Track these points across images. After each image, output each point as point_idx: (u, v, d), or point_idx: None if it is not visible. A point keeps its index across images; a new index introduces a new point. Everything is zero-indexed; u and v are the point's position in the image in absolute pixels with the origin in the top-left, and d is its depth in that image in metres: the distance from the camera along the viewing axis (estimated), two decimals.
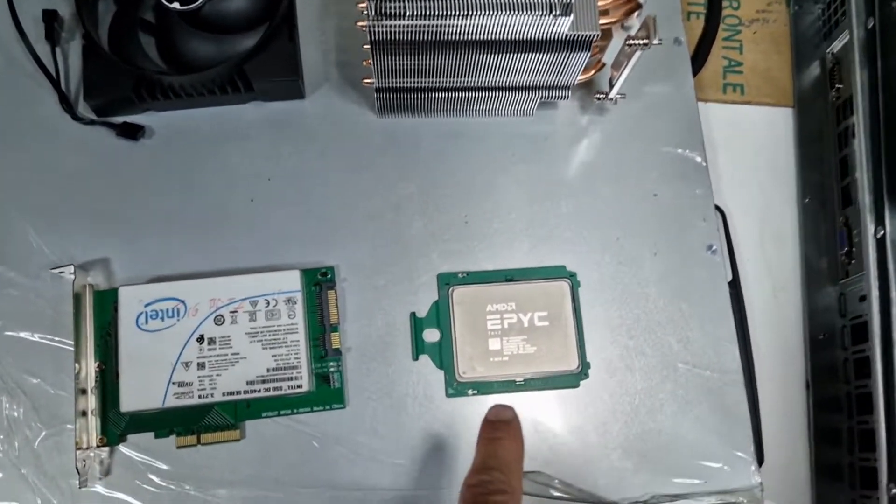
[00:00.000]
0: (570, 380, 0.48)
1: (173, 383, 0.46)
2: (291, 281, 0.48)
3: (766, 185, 0.57)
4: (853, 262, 0.52)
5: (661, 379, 0.49)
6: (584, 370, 0.49)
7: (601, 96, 0.51)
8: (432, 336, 0.49)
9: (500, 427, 0.38)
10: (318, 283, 0.49)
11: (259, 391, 0.46)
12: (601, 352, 0.49)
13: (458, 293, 0.49)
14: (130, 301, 0.47)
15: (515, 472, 0.37)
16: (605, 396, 0.49)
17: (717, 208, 0.53)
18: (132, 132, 0.52)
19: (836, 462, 0.51)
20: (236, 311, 0.47)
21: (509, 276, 0.50)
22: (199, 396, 0.46)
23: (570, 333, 0.49)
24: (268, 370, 0.47)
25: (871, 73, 0.51)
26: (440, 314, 0.49)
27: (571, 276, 0.50)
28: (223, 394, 0.46)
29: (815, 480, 0.52)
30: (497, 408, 0.40)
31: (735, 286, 0.52)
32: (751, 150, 0.57)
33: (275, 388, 0.46)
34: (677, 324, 0.50)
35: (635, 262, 0.51)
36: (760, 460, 0.49)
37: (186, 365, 0.46)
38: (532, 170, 0.53)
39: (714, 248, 0.52)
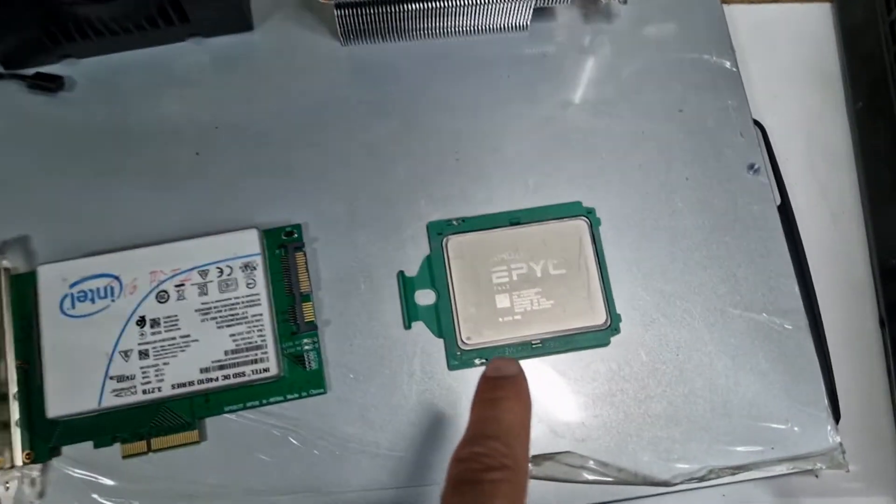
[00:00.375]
0: (597, 337, 0.40)
1: (111, 378, 0.37)
2: (248, 242, 0.39)
3: (809, 92, 0.48)
4: None
5: (708, 328, 0.40)
6: (613, 324, 0.40)
7: None
8: (426, 298, 0.40)
9: (502, 385, 0.29)
10: (283, 244, 0.40)
11: (217, 379, 0.37)
12: (633, 301, 0.41)
13: (454, 244, 0.41)
14: (52, 281, 0.38)
15: (520, 442, 0.28)
16: (642, 354, 0.40)
17: (756, 123, 0.44)
18: (49, 84, 0.43)
19: None
20: (183, 285, 0.38)
21: (514, 219, 0.41)
22: (144, 392, 0.37)
23: (593, 281, 0.40)
24: (226, 353, 0.38)
25: None
26: (434, 271, 0.40)
27: (589, 214, 0.41)
28: (173, 386, 0.37)
29: None
30: (498, 361, 0.30)
31: (785, 211, 0.43)
32: (786, 54, 0.48)
33: (236, 375, 0.38)
34: (721, 261, 0.41)
35: (664, 191, 0.42)
36: (837, 416, 0.40)
37: (125, 354, 0.37)
38: (531, 94, 0.44)
39: (756, 166, 0.43)
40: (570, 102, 0.44)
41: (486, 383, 0.30)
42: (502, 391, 0.29)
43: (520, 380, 0.30)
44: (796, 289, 0.41)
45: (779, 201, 0.43)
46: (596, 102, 0.44)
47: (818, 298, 0.42)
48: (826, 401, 0.39)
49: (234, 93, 0.44)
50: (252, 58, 0.44)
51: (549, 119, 0.44)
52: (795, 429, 0.39)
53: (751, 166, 0.43)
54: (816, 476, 0.39)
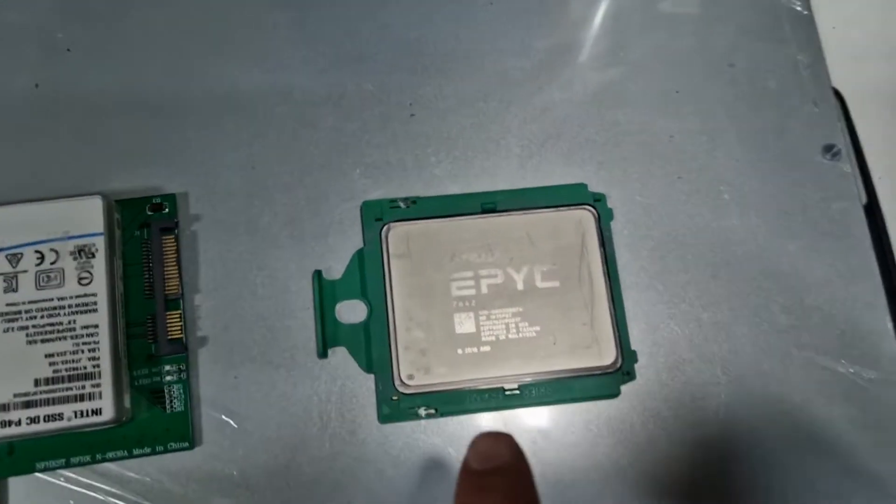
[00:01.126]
0: (603, 384, 0.27)
1: None
2: (88, 215, 0.26)
3: None
4: None
5: (762, 378, 0.28)
6: (626, 366, 0.27)
7: None
8: (353, 313, 0.27)
9: (491, 483, 0.19)
10: (147, 222, 0.27)
11: (19, 423, 0.24)
12: (655, 332, 0.28)
13: (399, 235, 0.28)
14: None
15: None
16: (666, 412, 0.27)
17: (834, 91, 0.32)
18: None
19: None
20: None
21: (488, 204, 0.28)
22: None
23: (599, 301, 0.27)
24: (37, 383, 0.25)
25: None
26: (367, 274, 0.27)
27: (597, 202, 0.29)
28: None
29: None
30: (484, 441, 0.20)
31: (873, 214, 0.30)
32: (872, 8, 0.36)
33: (49, 417, 0.24)
34: (784, 280, 0.29)
35: (705, 176, 0.30)
36: None
37: None
38: (523, 31, 0.31)
39: (836, 148, 0.30)
40: (575, 45, 0.31)
41: (467, 480, 0.19)
42: (492, 495, 0.18)
43: (516, 468, 0.19)
44: (889, 326, 0.28)
45: (865, 199, 0.30)
46: (613, 47, 0.31)
47: None
48: None
49: (94, 4, 0.30)
50: None
51: (545, 67, 0.31)
52: None
53: (828, 148, 0.30)
54: None
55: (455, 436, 0.27)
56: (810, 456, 0.27)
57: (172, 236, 0.27)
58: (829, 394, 0.27)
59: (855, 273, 0.29)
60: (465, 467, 0.19)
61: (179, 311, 0.27)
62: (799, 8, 0.32)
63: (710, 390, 0.27)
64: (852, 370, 0.28)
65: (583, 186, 0.29)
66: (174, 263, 0.27)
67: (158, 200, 0.28)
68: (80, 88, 0.29)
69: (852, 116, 0.33)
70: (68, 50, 0.30)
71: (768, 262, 0.29)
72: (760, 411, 0.27)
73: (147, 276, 0.27)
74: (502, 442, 0.20)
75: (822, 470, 0.27)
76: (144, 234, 0.27)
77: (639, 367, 0.27)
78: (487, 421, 0.27)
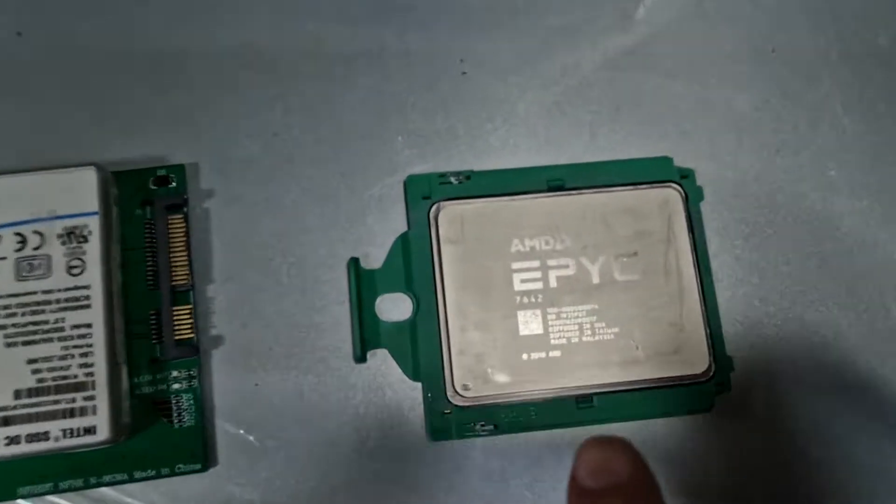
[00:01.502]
0: (693, 396, 0.23)
1: None
2: (79, 190, 0.22)
3: None
4: None
5: (878, 389, 0.24)
6: (720, 375, 0.23)
7: None
8: (396, 308, 0.23)
9: (605, 500, 0.15)
10: (150, 199, 0.23)
11: None
12: (754, 333, 0.24)
13: (451, 216, 0.23)
14: None
15: None
16: (766, 429, 0.23)
17: None
18: None
19: None
20: None
21: (556, 181, 0.24)
22: None
23: (688, 297, 0.23)
24: (18, 395, 0.20)
25: None
26: (413, 262, 0.23)
27: (684, 179, 0.24)
28: None
29: None
30: (593, 449, 0.16)
31: None
32: None
33: (33, 437, 0.20)
34: None
35: (809, 150, 0.25)
36: None
37: None
38: None
39: None
40: None
41: (578, 499, 0.16)
42: None
43: (642, 486, 0.16)
44: None
45: None
46: None
47: None
48: None
49: None
50: None
51: (617, 20, 0.26)
52: None
53: None
54: None
55: (518, 457, 0.23)
56: None
57: (181, 215, 0.23)
58: None
59: None
60: (575, 486, 0.16)
61: (189, 306, 0.23)
62: None
63: (817, 403, 0.23)
64: None
65: (667, 160, 0.24)
66: (183, 248, 0.23)
67: (163, 173, 0.23)
68: (71, 38, 0.25)
69: None
70: None
71: (883, 252, 0.25)
72: (875, 427, 0.23)
73: (150, 263, 0.23)
74: (618, 449, 0.16)
75: None
76: (147, 214, 0.23)
77: (736, 377, 0.23)
78: (559, 439, 0.23)
